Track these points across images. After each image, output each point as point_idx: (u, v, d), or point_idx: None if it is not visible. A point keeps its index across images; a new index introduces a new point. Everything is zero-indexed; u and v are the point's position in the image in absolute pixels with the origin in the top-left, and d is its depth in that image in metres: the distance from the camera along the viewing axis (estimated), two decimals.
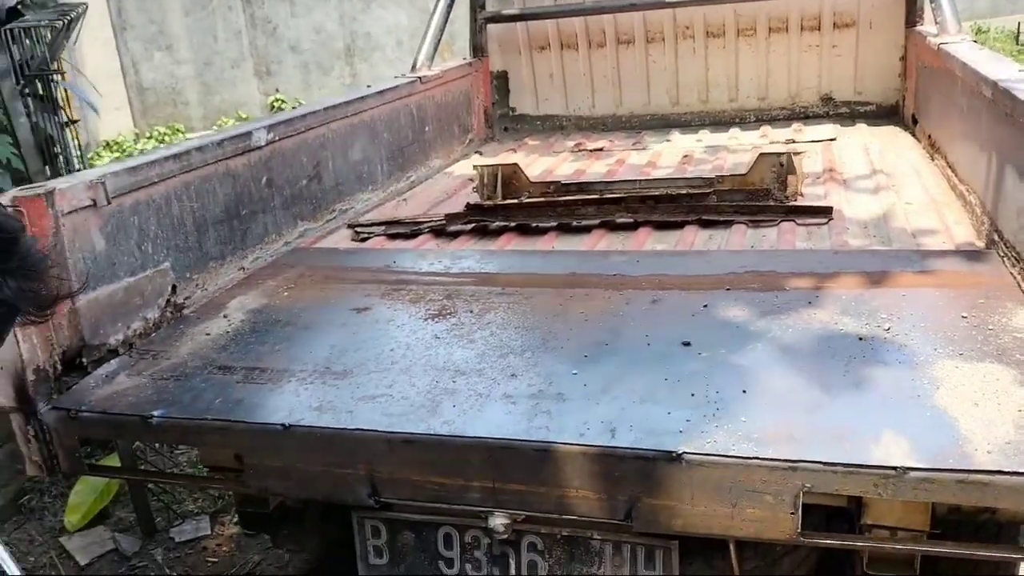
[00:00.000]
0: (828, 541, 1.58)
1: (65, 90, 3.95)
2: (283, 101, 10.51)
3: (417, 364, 1.97)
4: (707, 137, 4.33)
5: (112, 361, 2.10)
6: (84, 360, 2.03)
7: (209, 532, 3.31)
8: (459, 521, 1.86)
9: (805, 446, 1.53)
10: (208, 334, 2.24)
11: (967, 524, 1.73)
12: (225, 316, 2.34)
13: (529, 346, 2.01)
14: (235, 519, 3.41)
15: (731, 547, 1.77)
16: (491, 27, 4.70)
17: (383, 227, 3.06)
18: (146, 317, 2.24)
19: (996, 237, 2.30)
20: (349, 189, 3.27)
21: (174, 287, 2.34)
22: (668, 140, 4.34)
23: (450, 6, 4.23)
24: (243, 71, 10.44)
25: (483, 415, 1.74)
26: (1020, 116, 2.07)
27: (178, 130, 9.94)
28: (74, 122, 3.89)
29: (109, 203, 2.08)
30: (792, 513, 1.52)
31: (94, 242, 2.07)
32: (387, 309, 2.31)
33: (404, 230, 3.02)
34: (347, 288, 2.49)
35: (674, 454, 1.55)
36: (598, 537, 1.78)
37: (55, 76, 3.71)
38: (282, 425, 1.77)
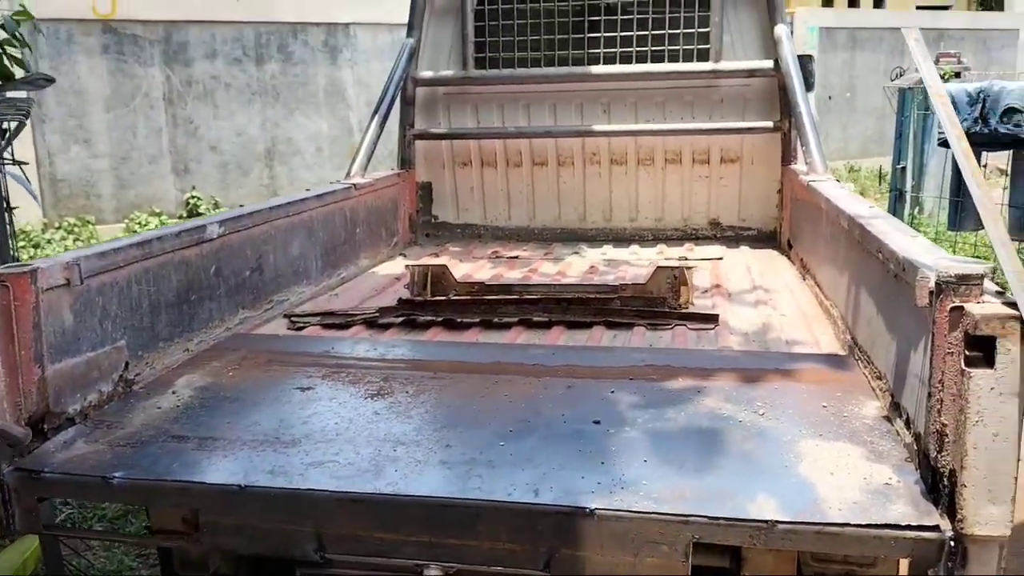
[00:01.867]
0: None
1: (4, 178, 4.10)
2: (199, 199, 10.64)
3: (360, 436, 2.21)
4: (610, 251, 4.79)
5: (70, 429, 2.25)
6: (45, 427, 2.18)
7: None
8: (397, 575, 2.07)
9: (695, 504, 1.84)
10: (159, 407, 2.42)
11: None
12: (174, 392, 2.52)
13: (461, 422, 2.28)
14: None
15: None
16: (419, 143, 5.12)
17: (318, 317, 3.31)
18: (101, 390, 2.40)
19: (853, 344, 2.74)
20: (286, 282, 3.52)
21: (127, 363, 2.52)
22: (576, 252, 4.77)
23: (383, 122, 4.62)
24: (160, 167, 10.57)
25: (423, 478, 1.98)
26: (867, 244, 2.54)
27: (88, 222, 9.91)
28: (13, 209, 4.02)
29: (81, 283, 2.28)
30: (683, 561, 1.82)
31: (64, 318, 2.25)
32: (329, 388, 2.55)
33: (338, 321, 3.27)
34: (289, 370, 2.71)
35: (587, 510, 1.84)
36: None
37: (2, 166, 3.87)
38: (238, 486, 1.97)
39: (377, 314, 3.27)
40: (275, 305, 3.41)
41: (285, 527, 1.97)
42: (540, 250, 4.84)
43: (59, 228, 9.76)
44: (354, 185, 4.19)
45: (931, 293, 1.81)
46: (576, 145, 5.01)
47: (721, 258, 4.50)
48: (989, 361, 1.65)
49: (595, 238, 5.11)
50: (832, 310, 3.16)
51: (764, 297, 3.65)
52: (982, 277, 1.70)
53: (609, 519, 1.83)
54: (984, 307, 1.66)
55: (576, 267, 4.38)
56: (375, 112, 4.60)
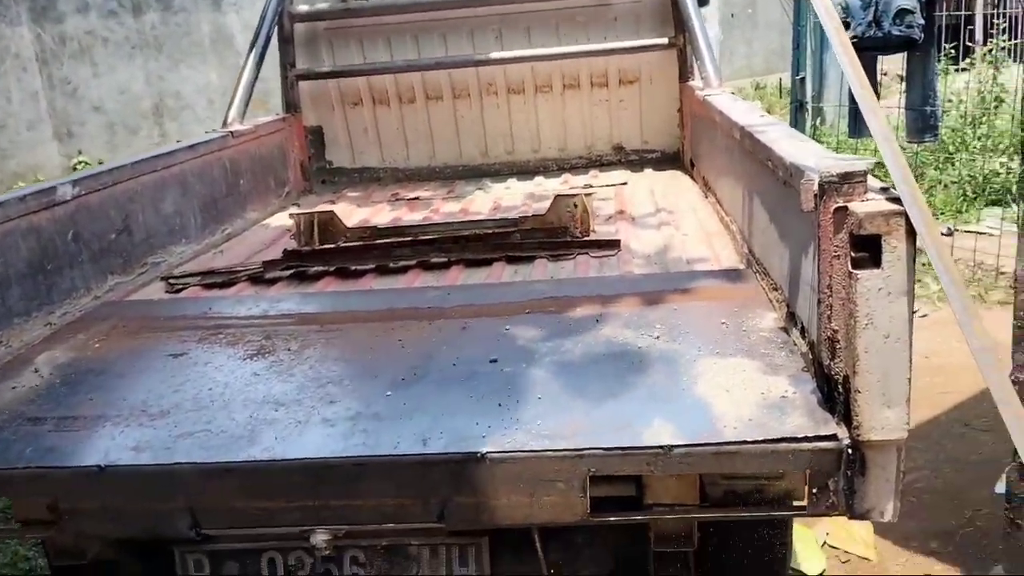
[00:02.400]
0: (613, 518, 1.80)
1: None
2: (87, 163, 10.03)
3: (236, 400, 2.05)
4: (514, 185, 4.64)
5: None
6: None
7: None
8: (281, 545, 1.95)
9: (590, 437, 1.75)
10: (15, 388, 2.20)
11: (740, 502, 2.01)
12: (34, 370, 2.30)
13: (347, 375, 2.14)
14: None
15: (536, 538, 1.97)
16: (304, 84, 4.84)
17: (198, 277, 3.09)
18: None
19: (751, 257, 2.68)
20: (161, 242, 3.27)
21: None
22: (480, 189, 4.61)
23: (259, 63, 4.33)
24: (41, 133, 9.91)
25: (302, 439, 1.84)
26: (758, 153, 2.46)
27: None
28: None
29: None
30: (582, 497, 1.73)
31: None
32: (204, 352, 2.36)
33: (220, 279, 3.06)
34: (162, 336, 2.51)
35: (479, 455, 1.73)
36: (415, 543, 1.93)
37: None
38: (98, 467, 1.80)
39: (261, 269, 3.07)
40: (150, 268, 3.18)
41: (155, 506, 1.82)
42: (442, 189, 4.67)
43: None
44: (231, 133, 3.92)
45: (816, 196, 1.73)
46: (471, 76, 4.80)
47: (625, 183, 4.40)
48: (876, 261, 1.58)
49: (499, 172, 4.95)
50: (732, 225, 3.10)
51: (667, 219, 3.57)
52: (865, 174, 1.62)
53: (501, 461, 1.73)
54: (867, 205, 1.59)
55: (479, 204, 4.23)
56: (249, 52, 4.30)
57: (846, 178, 1.61)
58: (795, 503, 1.82)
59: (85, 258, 2.80)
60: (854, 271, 1.59)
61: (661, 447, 1.70)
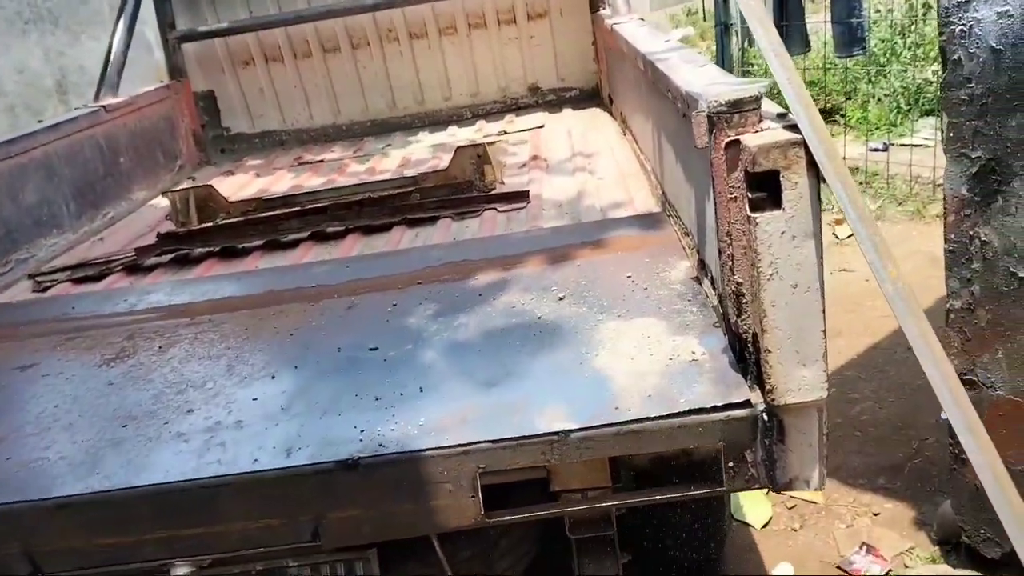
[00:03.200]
0: (509, 518, 1.59)
1: None
2: None
3: (83, 418, 1.79)
4: (426, 138, 4.35)
5: None
6: None
7: None
8: None
9: (477, 429, 1.54)
10: None
11: (669, 471, 1.81)
12: None
13: (211, 376, 1.89)
14: None
15: (434, 541, 1.75)
16: (189, 46, 4.45)
17: (67, 272, 2.79)
18: None
19: (665, 199, 2.46)
20: (26, 236, 2.95)
21: None
22: (388, 145, 4.31)
23: (131, 27, 3.96)
24: None
25: (150, 461, 1.60)
26: (659, 84, 2.22)
27: None
28: None
29: None
30: (473, 497, 1.52)
31: None
32: (57, 362, 2.09)
33: (91, 272, 2.76)
34: (15, 346, 2.23)
35: (350, 461, 1.50)
36: (294, 564, 1.70)
37: None
38: None
39: (135, 256, 2.77)
40: (15, 266, 2.86)
41: None
42: (350, 148, 4.35)
43: None
44: (103, 107, 3.56)
45: (707, 130, 1.50)
46: (367, 22, 4.45)
47: (542, 126, 4.14)
48: (776, 201, 1.36)
49: (410, 125, 4.63)
50: (647, 164, 2.87)
51: (583, 163, 3.33)
52: (757, 100, 1.39)
53: (377, 467, 1.51)
54: (762, 136, 1.36)
55: (389, 161, 3.94)
56: (118, 18, 3.92)
57: (736, 106, 1.38)
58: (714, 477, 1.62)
59: None
60: (752, 214, 1.37)
61: (555, 433, 1.49)
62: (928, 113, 6.61)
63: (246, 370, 1.89)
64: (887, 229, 4.95)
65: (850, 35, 5.72)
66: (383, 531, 1.56)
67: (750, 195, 1.36)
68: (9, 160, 2.92)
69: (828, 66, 6.53)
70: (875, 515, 2.83)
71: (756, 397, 1.47)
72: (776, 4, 5.90)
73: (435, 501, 1.53)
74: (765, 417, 1.46)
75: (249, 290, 2.40)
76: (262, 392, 1.78)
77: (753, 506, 2.89)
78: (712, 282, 1.79)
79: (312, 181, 3.78)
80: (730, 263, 1.47)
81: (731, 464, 1.52)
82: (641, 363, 1.63)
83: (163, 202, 3.75)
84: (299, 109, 4.64)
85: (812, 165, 1.32)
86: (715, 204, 1.50)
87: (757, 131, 1.38)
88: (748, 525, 2.85)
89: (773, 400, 1.44)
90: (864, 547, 2.66)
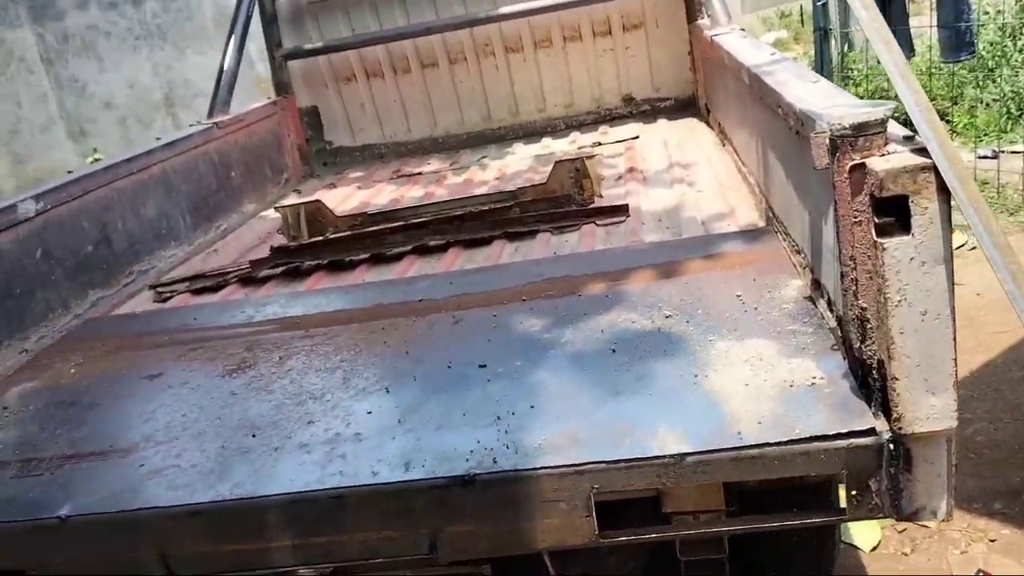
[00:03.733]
0: (623, 539, 1.59)
1: None
2: (102, 160, 9.98)
3: (210, 427, 1.88)
4: (521, 149, 4.39)
5: None
6: None
7: None
8: None
9: (590, 449, 1.55)
10: None
11: (780, 494, 1.79)
12: (4, 408, 2.16)
13: (329, 388, 1.96)
14: None
15: (546, 558, 1.77)
16: (294, 63, 4.61)
17: (186, 283, 2.93)
18: None
19: (771, 214, 2.42)
20: (147, 248, 3.11)
21: None
22: (485, 157, 4.37)
23: (240, 47, 4.12)
24: (55, 135, 9.84)
25: (276, 470, 1.67)
26: (767, 99, 2.19)
27: None
28: None
29: None
30: (587, 516, 1.53)
31: None
32: (182, 372, 2.19)
33: (209, 283, 2.89)
34: (140, 356, 2.35)
35: (467, 477, 1.53)
36: (411, 575, 1.74)
37: None
38: (59, 518, 1.64)
39: (249, 269, 2.89)
40: (137, 277, 3.02)
41: (123, 556, 1.66)
42: (447, 160, 4.43)
43: None
44: (215, 124, 3.72)
45: (829, 151, 1.48)
46: (465, 38, 4.53)
47: (637, 137, 4.13)
48: (904, 226, 1.33)
49: (504, 137, 4.69)
50: (749, 177, 2.84)
51: (681, 174, 3.31)
52: (883, 122, 1.36)
53: (492, 483, 1.53)
54: (889, 160, 1.33)
55: (486, 173, 3.99)
56: (229, 37, 4.09)
57: (861, 129, 1.36)
58: (835, 504, 1.59)
59: (59, 276, 2.64)
60: (879, 239, 1.34)
61: (671, 456, 1.48)
62: None
63: (361, 383, 1.95)
64: None
65: (957, 39, 5.50)
66: (498, 547, 1.58)
67: (877, 220, 1.33)
68: (132, 176, 3.09)
69: (933, 71, 6.29)
70: (991, 541, 2.72)
71: (881, 424, 1.44)
72: (879, 8, 5.71)
73: (549, 519, 1.54)
74: (891, 446, 1.42)
75: (359, 303, 2.47)
76: (377, 406, 1.83)
77: (862, 528, 2.81)
78: (829, 303, 1.75)
79: (412, 193, 3.86)
80: (854, 287, 1.44)
81: (854, 492, 1.49)
82: (756, 386, 1.61)
83: (272, 214, 3.90)
84: (398, 123, 4.75)
85: (942, 189, 1.29)
86: (836, 227, 1.48)
87: (883, 155, 1.35)
88: (856, 548, 2.77)
89: (900, 428, 1.41)
90: (980, 574, 2.55)
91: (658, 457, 1.49)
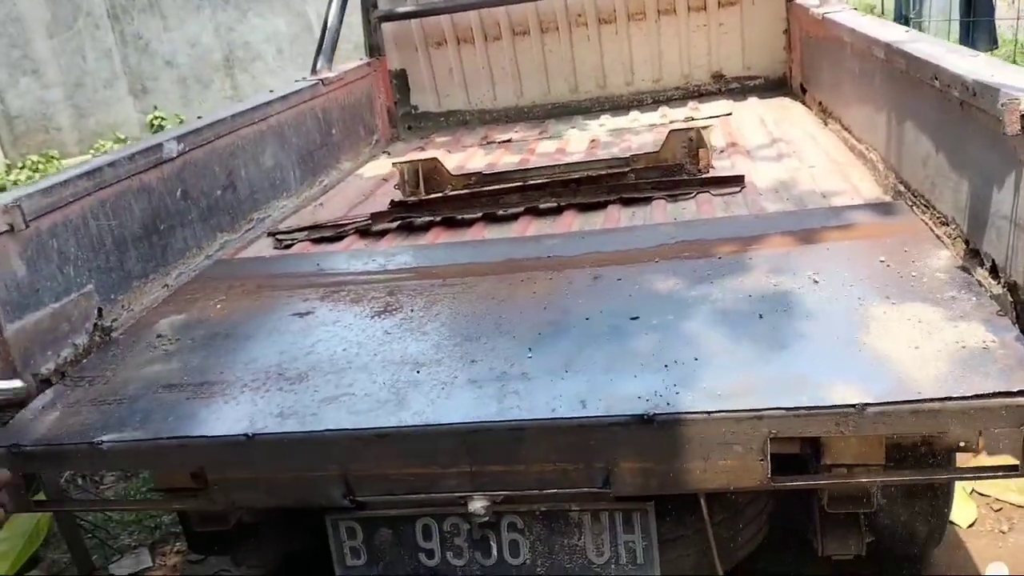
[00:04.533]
0: (796, 483, 1.66)
1: None
2: (163, 119, 10.11)
3: (373, 361, 1.95)
4: (609, 121, 4.43)
5: (47, 392, 1.99)
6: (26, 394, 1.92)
7: (151, 564, 3.18)
8: (436, 511, 1.86)
9: (766, 396, 1.60)
10: (144, 355, 2.15)
11: (909, 458, 1.85)
12: (159, 335, 2.25)
13: (483, 332, 2.02)
14: (175, 548, 3.29)
15: (702, 502, 1.84)
16: (387, 26, 4.67)
17: (306, 232, 3.01)
18: (75, 343, 2.13)
19: (903, 188, 2.45)
20: (264, 197, 3.20)
21: (100, 310, 2.24)
22: (572, 127, 4.41)
23: (343, 6, 4.18)
24: (117, 91, 9.99)
25: (452, 402, 1.74)
26: (915, 72, 2.22)
27: (52, 157, 9.42)
28: None
29: (27, 227, 1.97)
30: (761, 460, 1.59)
31: (14, 269, 1.96)
32: (329, 311, 2.27)
33: (328, 233, 2.97)
34: (283, 295, 2.43)
35: (646, 416, 1.59)
36: (576, 508, 1.82)
37: None
38: (245, 435, 1.73)
39: (370, 221, 2.97)
40: (256, 224, 3.11)
41: (306, 475, 1.74)
42: (534, 129, 4.48)
43: (23, 168, 9.28)
44: (321, 81, 3.79)
45: (1022, 117, 1.52)
46: (559, 7, 4.56)
47: (730, 113, 4.15)
48: None
49: (590, 109, 4.73)
50: (869, 153, 2.86)
51: (786, 150, 3.34)
52: None
53: (672, 424, 1.59)
54: None
55: (576, 143, 4.04)
56: None
57: None
58: (1003, 462, 1.64)
59: (194, 216, 2.73)
60: None
61: (852, 406, 1.54)
62: None
63: (514, 330, 2.01)
64: None
65: None
66: (671, 485, 1.64)
67: None
68: (253, 126, 3.16)
69: (1016, 63, 6.24)
70: None
71: None
72: (963, 0, 5.69)
73: (724, 461, 1.60)
74: None
75: (490, 257, 2.53)
76: (537, 350, 1.89)
77: (958, 504, 2.85)
78: (992, 271, 1.79)
79: (506, 159, 3.92)
80: None
81: None
82: (926, 347, 1.66)
83: (367, 172, 3.99)
84: (484, 90, 4.80)
85: None
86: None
87: None
88: (954, 524, 2.82)
89: None
90: None
91: (839, 406, 1.54)
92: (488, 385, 1.78)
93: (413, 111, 4.87)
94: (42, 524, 3.17)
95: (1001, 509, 2.88)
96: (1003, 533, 2.78)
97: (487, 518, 1.72)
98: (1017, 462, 1.57)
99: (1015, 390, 1.49)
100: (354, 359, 1.98)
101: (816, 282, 2.02)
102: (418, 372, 1.87)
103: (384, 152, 4.41)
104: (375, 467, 1.71)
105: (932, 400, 1.51)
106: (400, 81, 4.78)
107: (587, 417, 1.63)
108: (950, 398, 1.51)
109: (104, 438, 1.77)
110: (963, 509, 2.86)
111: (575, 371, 1.78)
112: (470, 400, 1.74)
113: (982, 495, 2.96)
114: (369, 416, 1.73)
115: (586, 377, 1.75)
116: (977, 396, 1.49)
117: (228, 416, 1.81)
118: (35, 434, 1.83)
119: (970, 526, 2.83)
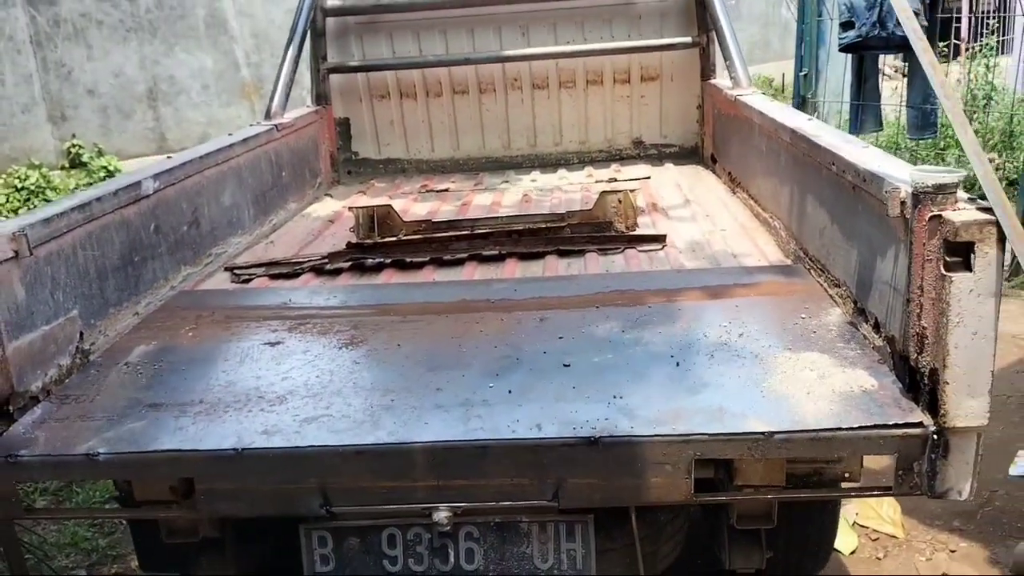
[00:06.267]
0: (713, 499, 1.97)
1: None
2: (81, 147, 9.99)
3: (346, 387, 2.17)
4: (540, 178, 4.78)
5: (35, 408, 2.13)
6: (11, 408, 2.06)
7: None
8: (401, 521, 2.08)
9: (692, 424, 1.91)
10: (123, 376, 2.31)
11: (804, 484, 2.19)
12: (135, 359, 2.41)
13: (444, 364, 2.28)
14: (113, 570, 3.36)
15: (632, 517, 2.13)
16: (333, 77, 4.92)
17: (263, 268, 3.20)
18: (60, 364, 2.28)
19: (802, 253, 2.85)
20: (223, 233, 3.38)
21: (82, 334, 2.39)
22: (505, 180, 4.74)
23: (298, 55, 4.41)
24: (35, 116, 9.83)
25: (422, 423, 1.98)
26: (816, 157, 2.63)
27: None
28: None
29: (31, 254, 2.13)
30: (687, 478, 1.89)
31: (15, 292, 2.10)
32: (299, 341, 2.48)
33: (285, 270, 3.18)
34: (251, 325, 2.63)
35: (592, 439, 1.88)
36: (526, 520, 2.07)
37: None
38: (235, 450, 1.92)
39: (326, 260, 3.19)
40: (214, 259, 3.28)
41: (287, 486, 1.94)
42: (469, 181, 4.79)
43: None
44: (276, 126, 4.01)
45: (902, 204, 1.90)
46: (497, 71, 4.93)
47: (649, 177, 4.56)
48: (967, 265, 1.75)
49: (521, 165, 5.08)
50: (773, 221, 3.27)
51: (700, 212, 3.74)
52: (957, 185, 1.79)
53: (614, 445, 1.88)
54: (962, 214, 1.76)
55: (510, 196, 4.36)
56: (287, 46, 4.38)
57: (941, 189, 1.78)
58: (881, 484, 2.00)
59: (163, 250, 2.90)
60: (947, 274, 1.76)
61: (762, 433, 1.86)
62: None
63: (473, 363, 2.27)
64: None
65: (923, 119, 6.16)
66: (612, 498, 1.93)
67: (947, 259, 1.75)
68: (217, 166, 3.36)
69: (897, 146, 6.96)
70: (952, 551, 3.17)
71: (927, 420, 1.84)
72: (854, 85, 6.35)
73: (656, 478, 1.90)
74: (935, 436, 1.83)
75: (444, 298, 2.79)
76: (495, 381, 2.16)
77: (841, 535, 3.23)
78: (876, 326, 2.17)
79: (443, 207, 4.20)
80: (918, 311, 1.85)
81: (900, 472, 1.89)
82: (821, 387, 2.01)
83: (312, 212, 4.21)
84: (423, 141, 5.10)
85: (1000, 240, 1.72)
86: (907, 263, 1.89)
87: (956, 209, 1.78)
88: (838, 552, 3.19)
89: (945, 423, 1.81)
90: None
91: (751, 433, 1.87)
92: (454, 410, 2.03)
93: (353, 156, 5.11)
94: None
95: (878, 539, 3.28)
96: (879, 560, 3.18)
97: (448, 528, 1.96)
98: (891, 485, 1.93)
99: (890, 423, 1.84)
100: (328, 385, 2.19)
101: (730, 331, 2.37)
102: (387, 398, 2.11)
103: (327, 195, 4.63)
104: (352, 481, 1.93)
105: (825, 430, 1.85)
106: (343, 128, 5.03)
107: (542, 438, 1.90)
108: (839, 428, 1.85)
109: (100, 450, 1.93)
110: (846, 538, 3.25)
111: (530, 400, 2.06)
112: (438, 422, 1.98)
113: (862, 527, 3.35)
114: (348, 435, 1.96)
115: (540, 405, 2.03)
116: (861, 427, 1.84)
117: (215, 432, 1.99)
118: (30, 445, 1.97)
119: (851, 553, 3.21)
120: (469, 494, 1.94)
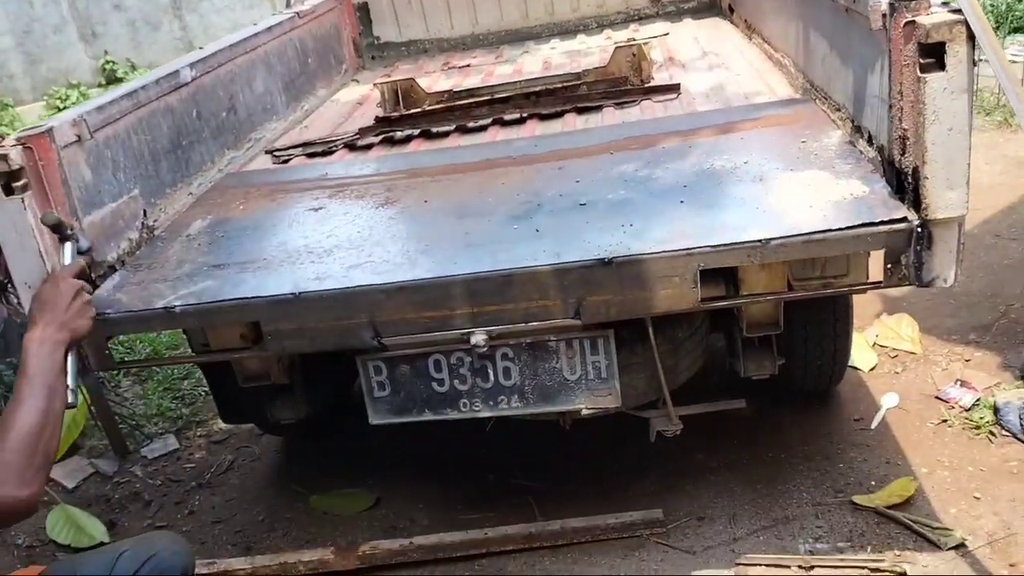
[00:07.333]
0: (719, 303, 2.18)
1: None
2: (115, 63, 10.18)
3: (384, 239, 2.41)
4: (559, 45, 4.85)
5: (114, 275, 2.42)
6: (93, 275, 2.34)
7: (178, 446, 3.64)
8: (445, 348, 2.35)
9: (696, 239, 2.10)
10: (187, 246, 2.58)
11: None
12: (195, 231, 2.67)
13: (472, 212, 2.49)
14: (198, 433, 3.75)
15: (649, 330, 2.37)
16: None
17: (300, 148, 3.41)
18: (129, 238, 2.55)
19: (809, 86, 2.96)
20: (259, 119, 3.58)
21: (145, 211, 2.65)
22: (525, 52, 4.82)
23: None
24: (67, 36, 10.01)
25: (454, 262, 2.21)
26: None
27: (7, 105, 9.48)
28: None
29: (91, 137, 2.36)
30: (694, 287, 2.10)
31: (83, 172, 2.36)
32: (339, 205, 2.72)
33: (320, 148, 3.38)
34: (295, 196, 2.86)
35: (606, 260, 2.09)
36: (554, 339, 2.32)
37: None
38: (293, 294, 2.18)
39: (357, 135, 3.38)
40: (254, 143, 3.49)
41: (341, 323, 2.20)
42: (490, 55, 4.88)
43: None
44: (297, 13, 4.14)
45: (884, 15, 2.01)
46: None
47: (667, 33, 4.60)
48: (940, 65, 1.88)
49: (540, 34, 5.13)
50: (784, 60, 3.36)
51: (716, 61, 3.82)
52: None
53: (625, 263, 2.09)
54: (933, 16, 1.87)
55: (530, 65, 4.45)
56: None
57: None
58: (869, 280, 2.19)
59: (207, 135, 3.12)
60: (922, 75, 1.89)
61: (759, 240, 2.05)
62: (1016, 31, 6.88)
63: (497, 210, 2.48)
64: (977, 136, 5.35)
65: None
66: (627, 311, 2.15)
67: (921, 61, 1.88)
68: (246, 55, 3.53)
69: None
70: (967, 361, 3.37)
71: (912, 215, 2.01)
72: None
73: (666, 290, 2.11)
74: (919, 229, 1.99)
75: (469, 159, 2.98)
76: (520, 222, 2.37)
77: (861, 354, 3.45)
78: (869, 139, 2.31)
79: (467, 82, 4.32)
80: (899, 114, 1.99)
81: (889, 266, 2.08)
82: (818, 197, 2.18)
83: (342, 97, 4.37)
84: (441, 19, 5.16)
85: (970, 38, 1.83)
86: (888, 70, 2.02)
87: (928, 13, 1.89)
88: (857, 369, 3.41)
89: (927, 215, 1.97)
90: (958, 382, 3.21)
91: (749, 242, 2.05)
92: (482, 248, 2.25)
93: (376, 41, 5.21)
94: (79, 417, 3.59)
95: (896, 356, 3.48)
96: (897, 374, 3.39)
97: (485, 349, 2.21)
98: (881, 279, 2.12)
99: (877, 220, 2.02)
100: (368, 237, 2.43)
101: (738, 158, 2.53)
102: (423, 244, 2.34)
103: (353, 80, 4.77)
104: (397, 313, 2.18)
105: (817, 232, 2.03)
106: (363, 13, 5.12)
107: (562, 263, 2.12)
108: (830, 230, 2.03)
109: (176, 303, 2.21)
110: (865, 357, 3.46)
111: (550, 235, 2.27)
112: (469, 259, 2.21)
113: (882, 347, 3.56)
114: (389, 275, 2.20)
115: (558, 238, 2.24)
116: (850, 227, 2.02)
117: (274, 282, 2.26)
118: (114, 306, 2.26)
119: (871, 370, 3.43)
120: (500, 318, 2.18)
